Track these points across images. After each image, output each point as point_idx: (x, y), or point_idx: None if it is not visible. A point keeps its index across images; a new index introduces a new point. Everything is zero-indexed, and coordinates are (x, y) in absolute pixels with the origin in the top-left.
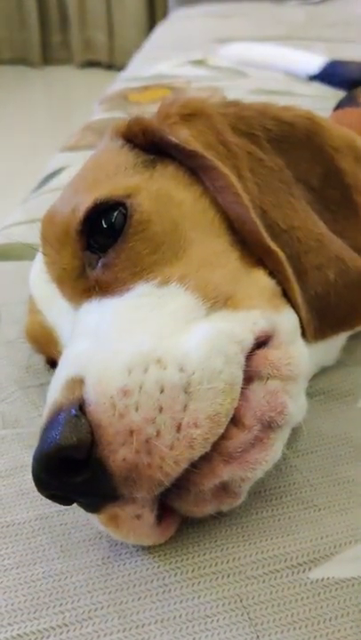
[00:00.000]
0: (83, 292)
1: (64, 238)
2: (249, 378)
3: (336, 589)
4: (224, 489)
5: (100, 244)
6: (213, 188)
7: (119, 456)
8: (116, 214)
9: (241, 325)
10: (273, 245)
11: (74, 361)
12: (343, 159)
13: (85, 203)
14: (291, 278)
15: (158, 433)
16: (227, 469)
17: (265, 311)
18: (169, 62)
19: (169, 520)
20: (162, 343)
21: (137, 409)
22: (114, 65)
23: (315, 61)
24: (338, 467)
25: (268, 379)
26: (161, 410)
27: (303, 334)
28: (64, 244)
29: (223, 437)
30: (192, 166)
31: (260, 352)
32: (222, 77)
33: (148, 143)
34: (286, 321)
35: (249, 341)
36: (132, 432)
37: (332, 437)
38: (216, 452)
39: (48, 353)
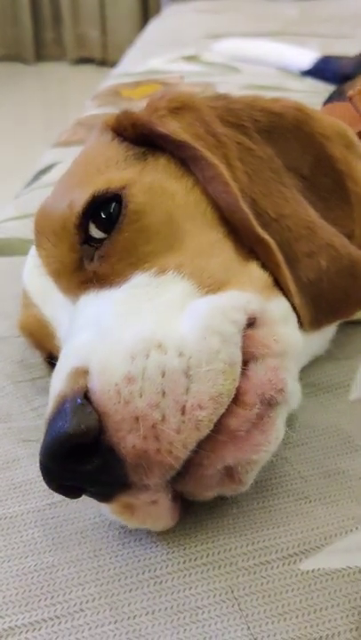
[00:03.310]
0: (80, 285)
1: (61, 232)
2: (244, 360)
3: (326, 580)
4: (229, 475)
5: (97, 237)
6: (203, 178)
7: (128, 443)
8: (113, 207)
9: (234, 303)
10: (263, 234)
11: (76, 352)
12: (334, 147)
13: (82, 197)
14: (282, 265)
15: (164, 417)
16: (231, 450)
17: (257, 296)
18: (161, 58)
19: (177, 502)
20: (161, 329)
21: (141, 395)
22: (107, 61)
23: (307, 57)
24: (329, 459)
25: (264, 357)
26: (164, 394)
27: (300, 325)
28: (62, 237)
29: (225, 416)
30: (182, 157)
31: (248, 332)
32: (215, 73)
33: (137, 136)
34: (277, 306)
35: (242, 321)
36: (137, 418)
37: (324, 430)
38: (219, 431)
39: (44, 346)
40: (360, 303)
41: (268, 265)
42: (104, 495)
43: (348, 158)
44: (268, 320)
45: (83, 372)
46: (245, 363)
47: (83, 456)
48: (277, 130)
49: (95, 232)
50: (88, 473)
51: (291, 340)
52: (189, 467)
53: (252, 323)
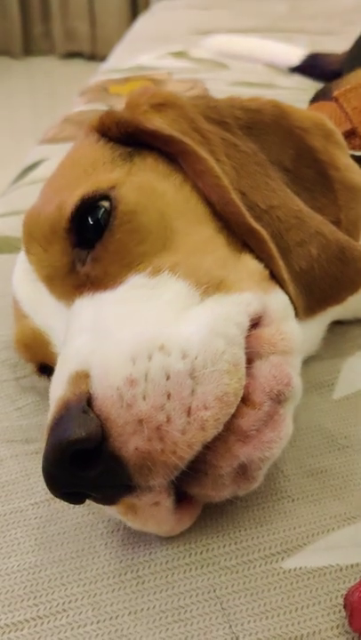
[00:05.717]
0: (74, 289)
1: (52, 237)
2: (249, 359)
3: (308, 579)
4: (242, 473)
5: (88, 240)
6: (193, 172)
7: (131, 446)
8: (103, 208)
9: (236, 307)
10: (255, 224)
11: (76, 355)
12: (313, 138)
13: (71, 200)
14: (275, 255)
15: (168, 419)
16: (243, 450)
17: (256, 293)
18: (150, 54)
19: (187, 508)
20: (163, 331)
21: (144, 398)
22: (96, 55)
23: (295, 54)
24: (312, 458)
25: (268, 355)
26: (169, 396)
27: (295, 314)
28: (52, 242)
29: (236, 417)
30: (170, 152)
31: (254, 332)
32: (203, 69)
33: (122, 135)
34: (276, 301)
35: (245, 323)
36: (141, 421)
37: (307, 429)
38: (231, 432)
39: (40, 356)
40: (350, 288)
41: (261, 256)
42: (108, 499)
43: (327, 147)
44: (273, 318)
45: (84, 376)
46: (250, 362)
47: (86, 462)
48: (257, 126)
49: (87, 235)
50: (92, 479)
51: (294, 335)
52: (205, 469)
53: (256, 322)
